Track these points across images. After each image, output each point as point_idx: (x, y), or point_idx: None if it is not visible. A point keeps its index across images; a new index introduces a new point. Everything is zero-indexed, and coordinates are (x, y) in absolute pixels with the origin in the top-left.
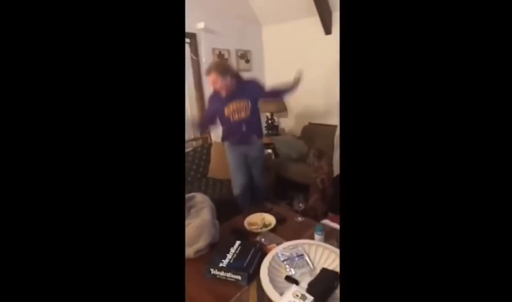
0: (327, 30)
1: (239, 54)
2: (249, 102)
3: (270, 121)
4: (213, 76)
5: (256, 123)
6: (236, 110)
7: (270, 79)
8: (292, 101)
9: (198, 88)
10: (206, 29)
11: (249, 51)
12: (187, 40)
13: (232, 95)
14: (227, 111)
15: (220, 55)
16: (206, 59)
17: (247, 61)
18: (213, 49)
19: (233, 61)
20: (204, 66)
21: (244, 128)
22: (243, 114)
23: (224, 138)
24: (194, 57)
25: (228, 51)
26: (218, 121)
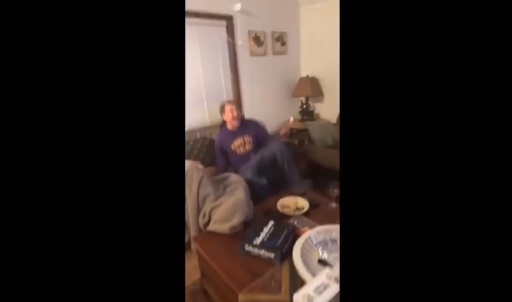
0: None
1: (275, 36)
2: (251, 138)
3: (304, 106)
4: (233, 106)
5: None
6: (240, 145)
7: (306, 63)
8: (329, 85)
9: (234, 70)
10: (242, 11)
11: (285, 33)
12: (223, 22)
13: (237, 131)
14: (233, 147)
15: (256, 38)
16: (242, 42)
17: (283, 44)
18: (249, 32)
19: (269, 44)
20: (239, 49)
21: (251, 158)
22: (248, 147)
23: (232, 166)
24: (230, 40)
25: (264, 33)
26: (227, 155)
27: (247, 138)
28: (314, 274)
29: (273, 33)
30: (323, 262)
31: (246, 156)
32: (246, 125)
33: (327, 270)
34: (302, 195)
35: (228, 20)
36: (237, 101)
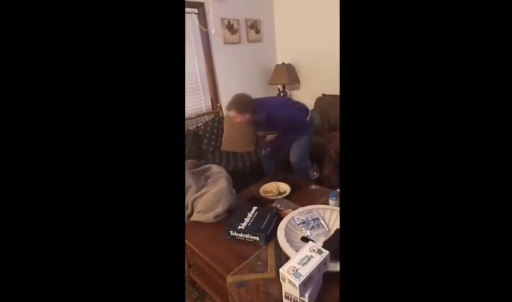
0: None
1: (249, 23)
2: (279, 134)
3: (281, 94)
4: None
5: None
6: (266, 135)
7: (281, 51)
8: (305, 71)
9: (208, 60)
10: None
11: (259, 20)
12: (194, 10)
13: (260, 128)
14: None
15: (229, 25)
16: (215, 30)
17: (257, 31)
18: (222, 19)
19: (243, 32)
20: (213, 38)
21: (272, 158)
22: (271, 144)
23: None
24: (203, 29)
25: (238, 21)
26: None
27: (273, 135)
28: (298, 250)
29: (246, 20)
30: (305, 239)
31: (270, 147)
32: (273, 118)
33: (310, 244)
34: (283, 180)
35: (199, 7)
36: (243, 103)
